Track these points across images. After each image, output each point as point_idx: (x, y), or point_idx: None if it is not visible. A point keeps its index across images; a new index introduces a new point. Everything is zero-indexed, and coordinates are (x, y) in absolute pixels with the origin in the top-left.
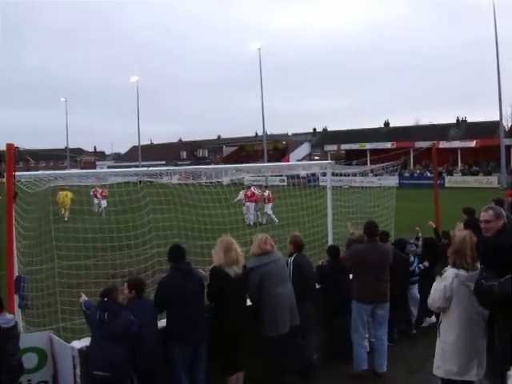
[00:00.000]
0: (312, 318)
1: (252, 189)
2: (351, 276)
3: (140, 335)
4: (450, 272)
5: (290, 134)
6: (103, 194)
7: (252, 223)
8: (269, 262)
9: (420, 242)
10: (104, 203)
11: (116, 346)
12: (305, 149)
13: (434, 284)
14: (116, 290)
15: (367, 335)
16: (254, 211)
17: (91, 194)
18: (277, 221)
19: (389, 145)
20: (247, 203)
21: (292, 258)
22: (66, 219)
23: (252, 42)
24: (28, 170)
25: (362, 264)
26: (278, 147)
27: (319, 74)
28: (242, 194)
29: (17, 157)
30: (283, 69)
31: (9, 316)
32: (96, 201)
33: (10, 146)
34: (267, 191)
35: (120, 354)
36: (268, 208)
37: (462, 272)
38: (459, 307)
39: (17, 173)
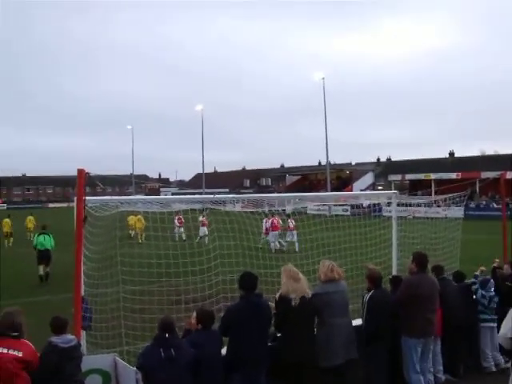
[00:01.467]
0: (387, 356)
1: (275, 218)
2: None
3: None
4: None
5: (353, 163)
6: (179, 221)
7: (273, 251)
8: (333, 291)
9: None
10: (181, 230)
11: (184, 378)
12: (368, 178)
13: (510, 312)
14: (174, 323)
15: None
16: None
17: (175, 221)
18: (297, 249)
19: (454, 175)
20: (273, 232)
21: (368, 296)
22: (140, 241)
23: (315, 72)
24: (95, 195)
25: (415, 296)
26: (341, 176)
27: (383, 103)
28: (265, 223)
29: (86, 182)
30: (346, 97)
31: (70, 337)
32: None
33: (80, 172)
34: (291, 220)
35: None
36: (293, 236)
37: None
38: None
39: (86, 197)
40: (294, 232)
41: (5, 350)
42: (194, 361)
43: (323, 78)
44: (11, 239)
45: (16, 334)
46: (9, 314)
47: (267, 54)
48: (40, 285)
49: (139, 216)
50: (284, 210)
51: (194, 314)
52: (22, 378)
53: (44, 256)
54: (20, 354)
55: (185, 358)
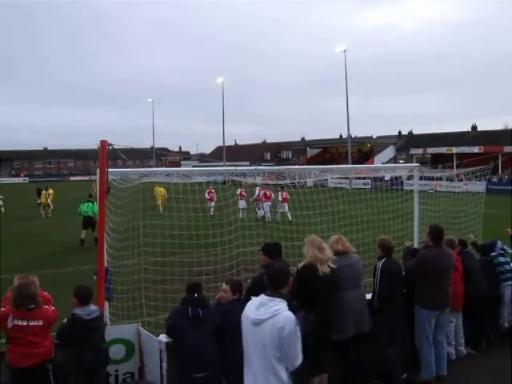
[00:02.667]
0: (398, 326)
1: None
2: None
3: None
4: None
5: (374, 136)
6: (210, 196)
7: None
8: (344, 265)
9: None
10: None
11: (211, 343)
12: (389, 152)
13: None
14: (202, 286)
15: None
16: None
17: (206, 195)
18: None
19: (476, 149)
20: (265, 202)
21: (381, 263)
22: (161, 211)
23: (337, 44)
24: (115, 168)
25: (431, 269)
26: (362, 150)
27: (405, 76)
28: (257, 191)
29: (109, 154)
30: (368, 70)
31: (92, 308)
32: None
33: (103, 143)
34: (283, 192)
35: (215, 351)
36: (284, 207)
37: None
38: None
39: (108, 169)
40: (285, 204)
41: (24, 323)
42: (219, 327)
43: (345, 51)
44: (49, 210)
45: (32, 306)
46: (23, 285)
47: (290, 26)
48: (64, 256)
49: (163, 188)
50: (305, 183)
51: (224, 286)
52: (42, 346)
53: (87, 222)
54: (40, 323)
55: (211, 322)
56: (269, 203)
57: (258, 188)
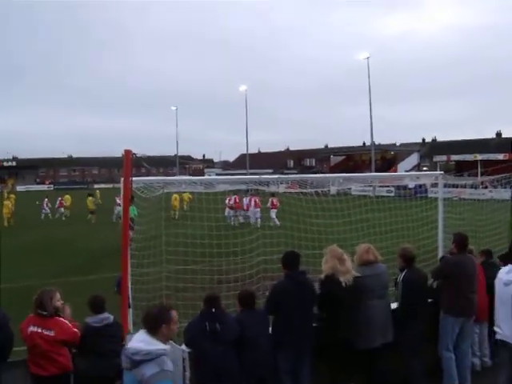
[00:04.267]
0: (421, 338)
1: (257, 197)
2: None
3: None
4: None
5: (398, 144)
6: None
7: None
8: (370, 275)
9: None
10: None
11: (230, 355)
12: (413, 159)
13: None
14: (220, 298)
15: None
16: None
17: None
18: (278, 224)
19: (501, 156)
20: (255, 209)
21: (402, 275)
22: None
23: (359, 51)
24: (139, 176)
25: (455, 275)
26: (385, 157)
27: (428, 82)
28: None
29: (133, 162)
30: (391, 76)
31: (103, 316)
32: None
33: (127, 152)
34: (273, 199)
35: (235, 362)
36: (273, 213)
37: None
38: None
39: (132, 178)
40: (274, 210)
41: (39, 329)
42: (239, 338)
43: (368, 58)
44: (93, 216)
45: (45, 313)
46: (42, 293)
47: (311, 32)
48: (90, 264)
49: (183, 194)
50: (329, 191)
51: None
52: (58, 355)
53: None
54: (52, 334)
55: (230, 334)
56: (258, 209)
57: (245, 198)
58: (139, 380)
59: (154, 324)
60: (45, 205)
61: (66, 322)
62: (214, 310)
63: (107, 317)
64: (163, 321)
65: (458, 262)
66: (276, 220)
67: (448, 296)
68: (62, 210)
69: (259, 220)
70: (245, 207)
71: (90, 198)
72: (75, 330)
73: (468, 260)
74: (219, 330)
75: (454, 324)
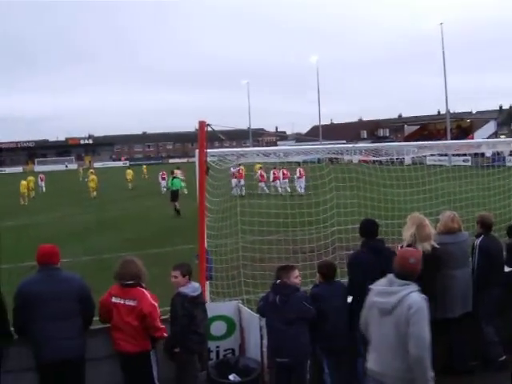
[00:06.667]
0: (497, 306)
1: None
2: None
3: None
4: None
5: (474, 111)
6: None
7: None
8: (452, 242)
9: None
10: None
11: (296, 329)
12: (490, 127)
13: None
14: (287, 271)
15: None
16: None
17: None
18: (303, 192)
19: None
20: (283, 180)
21: (479, 241)
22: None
23: (432, 17)
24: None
25: None
26: (461, 126)
27: (505, 48)
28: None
29: (207, 135)
30: (466, 43)
31: (196, 285)
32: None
33: (202, 124)
34: (300, 168)
35: (300, 338)
36: (301, 182)
37: None
38: None
39: (206, 150)
40: (302, 179)
41: (121, 301)
42: (317, 311)
43: (441, 24)
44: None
45: (130, 282)
46: (124, 262)
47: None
48: (165, 236)
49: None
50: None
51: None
52: (141, 327)
53: (175, 195)
54: (134, 303)
55: (297, 308)
56: (286, 180)
57: (272, 171)
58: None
59: None
60: (160, 178)
61: (145, 292)
62: (285, 281)
63: (198, 286)
64: None
65: None
66: (302, 189)
67: None
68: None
69: (302, 190)
70: (272, 179)
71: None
72: (154, 303)
73: None
74: (285, 303)
75: None
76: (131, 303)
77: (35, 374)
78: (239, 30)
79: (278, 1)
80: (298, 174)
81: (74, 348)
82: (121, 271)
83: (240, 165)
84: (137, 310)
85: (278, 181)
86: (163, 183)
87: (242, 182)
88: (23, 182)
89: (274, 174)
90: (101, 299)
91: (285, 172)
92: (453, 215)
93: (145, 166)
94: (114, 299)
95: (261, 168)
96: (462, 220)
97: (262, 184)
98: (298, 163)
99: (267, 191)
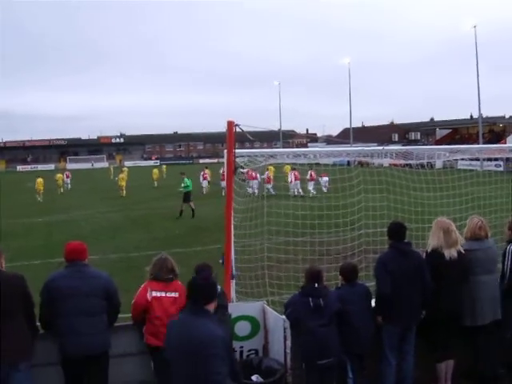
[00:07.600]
0: None
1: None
2: None
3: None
4: None
5: (507, 116)
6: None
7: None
8: (478, 249)
9: None
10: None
11: (332, 329)
12: None
13: None
14: (322, 273)
15: None
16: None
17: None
18: (314, 193)
19: None
20: (295, 181)
21: (510, 247)
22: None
23: (466, 20)
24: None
25: None
26: (494, 130)
27: None
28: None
29: (237, 136)
30: (499, 46)
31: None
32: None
33: (230, 124)
34: (311, 171)
35: (336, 337)
36: (310, 185)
37: None
38: None
39: (235, 150)
40: (312, 182)
41: (163, 294)
42: (339, 313)
43: (475, 26)
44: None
45: (170, 276)
46: (161, 259)
47: (415, 3)
48: (191, 236)
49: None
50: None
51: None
52: None
53: (188, 196)
54: (176, 295)
55: (331, 309)
56: (298, 182)
57: (290, 173)
58: None
59: None
60: (201, 178)
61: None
62: (316, 285)
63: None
64: None
65: None
66: (313, 191)
67: None
68: (206, 183)
69: (312, 191)
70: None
71: (207, 170)
72: None
73: None
74: (323, 306)
75: None
76: (173, 295)
77: (59, 369)
78: (271, 30)
79: (315, 1)
80: (308, 177)
81: (99, 344)
82: (160, 266)
83: (268, 169)
84: (178, 301)
85: (298, 181)
86: (204, 183)
87: (270, 185)
88: (39, 180)
89: (294, 175)
90: (136, 298)
91: (296, 174)
92: (480, 222)
93: (164, 166)
94: (154, 293)
95: (294, 169)
96: (490, 226)
97: (269, 185)
98: (310, 166)
99: (273, 192)
